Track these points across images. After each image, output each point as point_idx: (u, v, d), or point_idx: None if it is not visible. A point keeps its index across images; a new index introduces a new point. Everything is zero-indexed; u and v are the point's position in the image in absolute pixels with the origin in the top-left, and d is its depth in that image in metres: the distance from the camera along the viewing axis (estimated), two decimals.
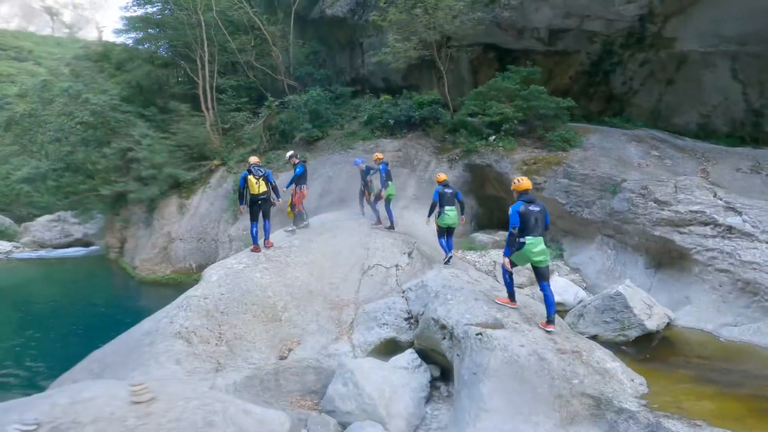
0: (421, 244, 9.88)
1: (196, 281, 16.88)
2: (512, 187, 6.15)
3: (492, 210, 12.81)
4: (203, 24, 19.35)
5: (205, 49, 19.85)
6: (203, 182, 19.13)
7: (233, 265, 8.17)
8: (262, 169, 8.65)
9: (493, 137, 12.47)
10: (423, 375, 6.31)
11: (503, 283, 6.42)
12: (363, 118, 16.43)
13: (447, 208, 8.49)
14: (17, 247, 29.31)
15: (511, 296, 6.28)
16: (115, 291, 18.76)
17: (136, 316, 14.38)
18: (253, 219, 8.74)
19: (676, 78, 13.48)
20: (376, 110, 15.96)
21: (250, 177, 8.41)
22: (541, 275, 5.82)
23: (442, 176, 8.96)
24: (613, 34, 13.75)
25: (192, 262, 17.99)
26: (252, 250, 8.71)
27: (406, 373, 6.14)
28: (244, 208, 8.74)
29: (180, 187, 19.05)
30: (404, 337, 7.07)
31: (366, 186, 10.61)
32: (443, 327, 6.07)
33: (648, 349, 6.79)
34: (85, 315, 14.69)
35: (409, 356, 6.58)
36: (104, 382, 5.09)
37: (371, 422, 5.19)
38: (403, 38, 13.82)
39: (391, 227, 10.11)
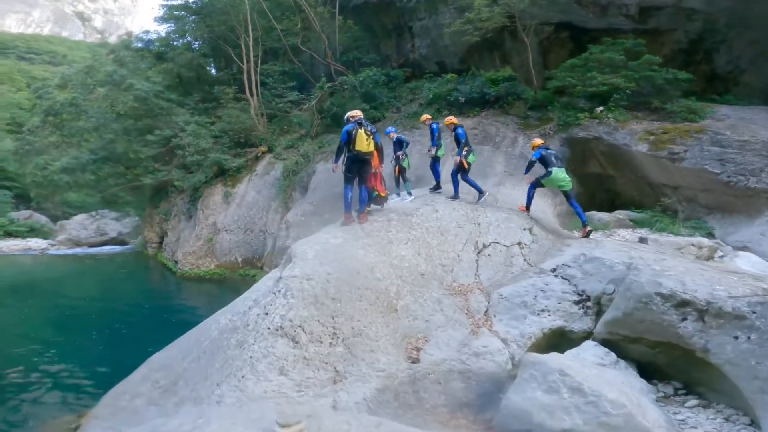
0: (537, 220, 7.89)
1: (242, 276, 15.86)
2: (531, 146, 8.32)
3: (594, 190, 10.71)
4: (247, 6, 17.77)
5: (249, 33, 18.30)
6: (249, 170, 17.49)
7: (328, 240, 6.26)
8: (371, 125, 6.87)
9: (600, 109, 10.49)
10: (634, 375, 4.28)
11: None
12: (427, 97, 14.65)
13: (555, 169, 7.55)
14: (53, 245, 28.29)
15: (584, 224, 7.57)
16: (156, 287, 17.04)
17: (182, 314, 12.78)
18: (349, 182, 6.91)
19: None
20: (442, 89, 14.05)
21: (361, 131, 6.57)
22: (567, 196, 7.70)
23: (539, 140, 8.41)
24: (716, 13, 11.63)
25: (238, 255, 16.25)
26: (343, 222, 6.89)
27: (619, 373, 4.12)
28: (339, 167, 6.92)
29: (225, 175, 17.43)
30: (578, 326, 5.09)
31: (397, 161, 9.11)
32: (683, 304, 4.04)
33: None
34: (126, 313, 12.88)
35: (596, 350, 4.65)
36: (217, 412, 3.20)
37: None
38: (489, 3, 11.92)
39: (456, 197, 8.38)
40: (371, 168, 7.09)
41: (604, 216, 8.96)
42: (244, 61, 18.68)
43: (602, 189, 10.70)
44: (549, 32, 14.48)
